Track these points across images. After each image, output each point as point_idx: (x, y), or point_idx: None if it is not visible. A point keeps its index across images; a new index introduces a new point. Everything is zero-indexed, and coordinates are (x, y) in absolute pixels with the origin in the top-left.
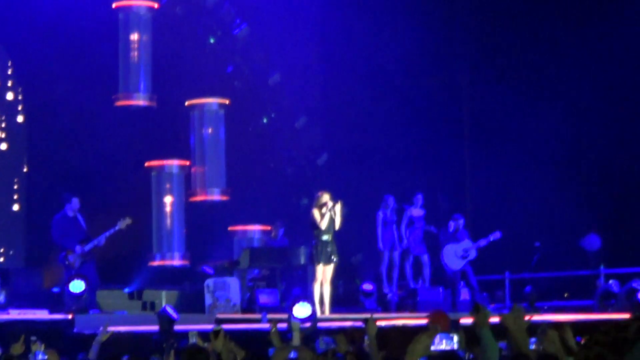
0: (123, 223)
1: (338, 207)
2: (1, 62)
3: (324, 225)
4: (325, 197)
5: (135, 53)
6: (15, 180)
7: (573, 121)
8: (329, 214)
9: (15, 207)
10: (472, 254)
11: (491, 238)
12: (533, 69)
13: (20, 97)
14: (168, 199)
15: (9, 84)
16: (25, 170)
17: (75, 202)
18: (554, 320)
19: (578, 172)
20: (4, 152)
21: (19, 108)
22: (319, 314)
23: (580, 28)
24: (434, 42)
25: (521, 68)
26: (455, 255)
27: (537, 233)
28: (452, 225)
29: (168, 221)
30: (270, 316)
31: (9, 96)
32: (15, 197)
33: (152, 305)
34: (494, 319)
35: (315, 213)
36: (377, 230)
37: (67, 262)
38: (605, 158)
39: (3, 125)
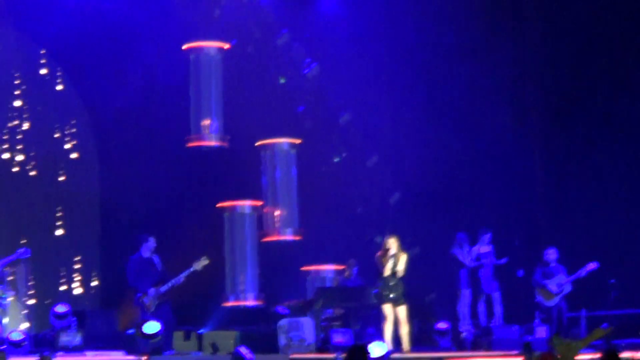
0: (199, 264)
1: (403, 257)
2: (74, 107)
3: (387, 271)
4: (390, 243)
5: (206, 93)
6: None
7: None
8: (392, 260)
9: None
10: (567, 289)
11: (587, 269)
12: (607, 105)
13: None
14: None
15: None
16: (98, 212)
17: (152, 241)
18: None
19: None
20: (79, 195)
21: (93, 152)
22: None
23: None
24: (505, 80)
25: (593, 106)
26: (548, 291)
27: (613, 270)
28: (544, 260)
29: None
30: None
31: (83, 139)
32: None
33: (215, 347)
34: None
35: (378, 257)
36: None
37: (142, 304)
38: None
39: (74, 155)
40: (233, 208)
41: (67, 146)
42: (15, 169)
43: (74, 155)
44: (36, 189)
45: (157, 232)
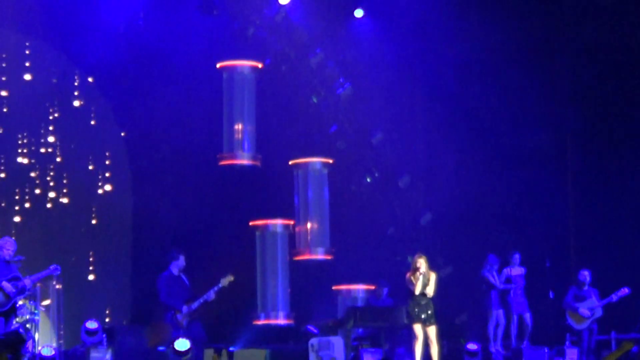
0: (225, 280)
1: (433, 276)
2: (109, 124)
3: (417, 290)
4: (419, 262)
5: (239, 112)
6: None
7: None
8: (421, 279)
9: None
10: (598, 313)
11: (619, 294)
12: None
13: (123, 155)
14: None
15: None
16: (130, 228)
17: (182, 260)
18: None
19: None
20: (111, 211)
21: (126, 169)
22: None
23: None
24: (540, 103)
25: (628, 127)
26: (579, 315)
27: None
28: (579, 282)
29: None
30: None
31: (116, 157)
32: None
33: None
34: None
35: (408, 277)
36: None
37: (175, 322)
38: None
39: (107, 174)
40: (265, 227)
41: (101, 186)
42: (48, 205)
43: (107, 188)
44: (69, 216)
45: (190, 250)
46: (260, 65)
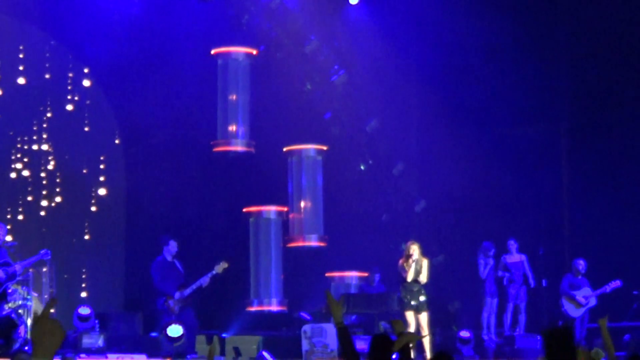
0: (220, 267)
1: (425, 262)
2: (105, 111)
3: (409, 277)
4: (413, 249)
5: (234, 99)
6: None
7: None
8: (414, 265)
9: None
10: (592, 302)
11: (611, 286)
12: (635, 118)
13: (118, 142)
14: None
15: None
16: (124, 215)
17: (173, 245)
18: None
19: None
20: (104, 198)
21: (119, 155)
22: None
23: None
24: (534, 91)
25: (622, 117)
26: (576, 302)
27: (636, 282)
28: (574, 270)
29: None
30: None
31: (110, 143)
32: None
33: (238, 351)
34: None
35: (401, 264)
36: (483, 275)
37: (167, 307)
38: None
39: (102, 167)
40: (259, 213)
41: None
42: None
43: (102, 167)
44: (64, 206)
45: (184, 237)
46: (254, 52)
